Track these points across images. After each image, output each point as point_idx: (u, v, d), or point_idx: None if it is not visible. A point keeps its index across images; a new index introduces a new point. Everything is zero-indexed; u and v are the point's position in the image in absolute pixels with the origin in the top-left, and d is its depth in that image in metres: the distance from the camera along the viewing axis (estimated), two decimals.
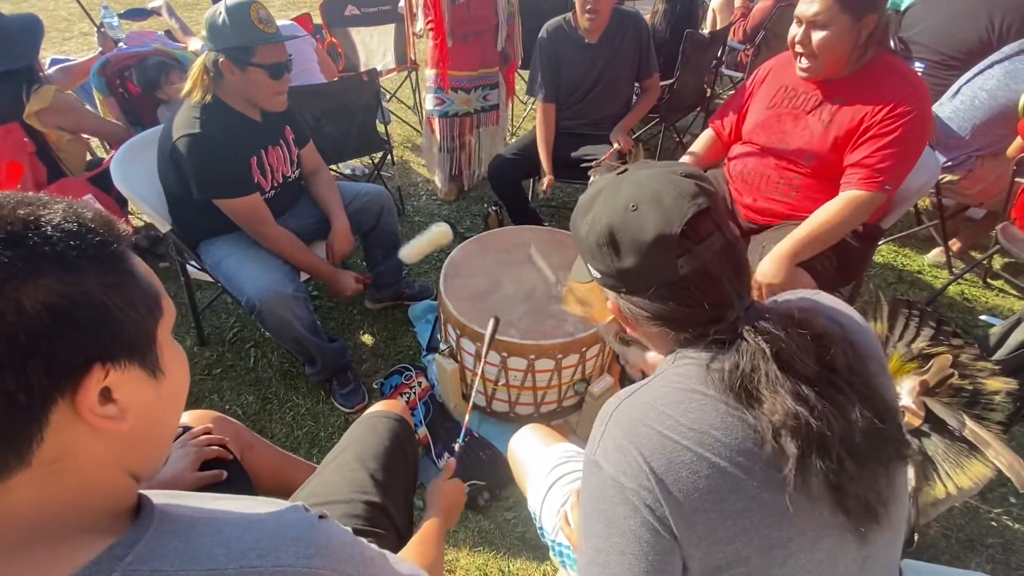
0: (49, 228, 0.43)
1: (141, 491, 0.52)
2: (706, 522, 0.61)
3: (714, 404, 0.65)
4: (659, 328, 0.73)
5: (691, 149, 2.08)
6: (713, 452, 0.62)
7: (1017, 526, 1.61)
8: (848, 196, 1.54)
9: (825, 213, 1.55)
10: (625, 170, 0.76)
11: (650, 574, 0.62)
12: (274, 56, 1.67)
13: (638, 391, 0.70)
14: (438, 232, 1.93)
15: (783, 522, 0.62)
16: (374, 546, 0.63)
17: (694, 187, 0.69)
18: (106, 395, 0.45)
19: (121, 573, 0.43)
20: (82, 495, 0.46)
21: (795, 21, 1.55)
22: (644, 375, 1.28)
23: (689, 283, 0.68)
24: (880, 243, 2.68)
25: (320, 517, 0.55)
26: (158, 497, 0.52)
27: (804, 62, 1.57)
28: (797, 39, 1.55)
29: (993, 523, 1.62)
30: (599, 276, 0.76)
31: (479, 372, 1.37)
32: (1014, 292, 2.56)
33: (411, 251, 1.94)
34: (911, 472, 1.06)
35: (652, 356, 1.30)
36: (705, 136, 2.04)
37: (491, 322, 1.36)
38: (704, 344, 0.68)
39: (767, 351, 0.62)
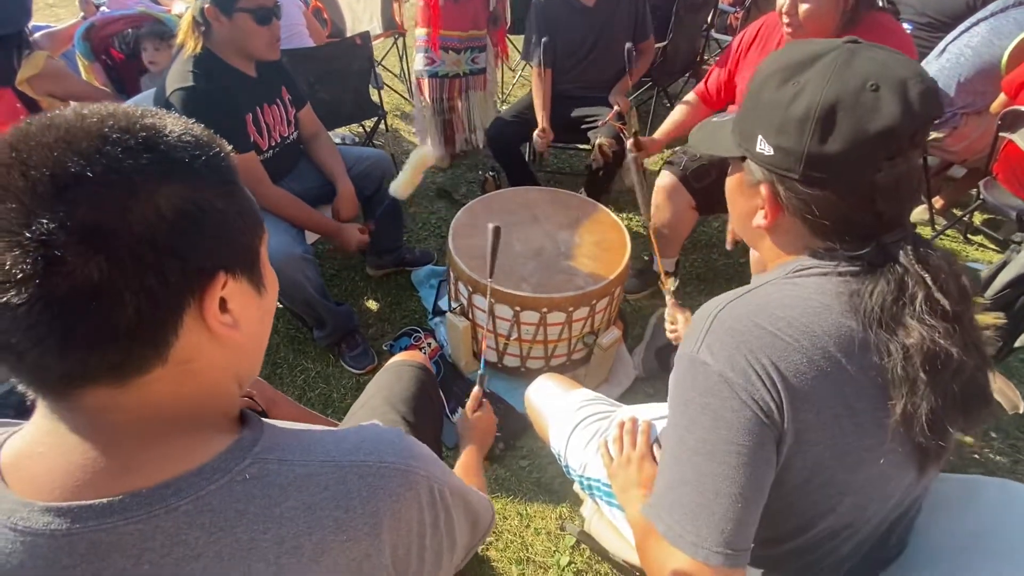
0: (173, 138, 0.45)
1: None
2: (804, 421, 0.63)
3: (832, 316, 0.64)
4: (805, 225, 0.69)
5: (672, 118, 2.03)
6: (822, 358, 0.63)
7: (998, 458, 1.73)
8: None
9: None
10: (856, 41, 0.66)
11: (756, 463, 0.64)
12: None
13: (745, 294, 0.70)
14: (420, 155, 1.89)
15: (867, 434, 0.65)
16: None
17: (937, 87, 0.64)
18: (223, 305, 0.48)
19: (253, 459, 0.47)
20: (206, 395, 0.49)
21: None
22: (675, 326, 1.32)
23: (876, 189, 0.64)
24: None
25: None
26: None
27: (790, 29, 1.58)
28: (784, 8, 1.55)
29: (976, 455, 1.73)
30: (770, 153, 0.67)
31: (488, 290, 1.36)
32: (993, 246, 2.67)
33: (401, 184, 1.90)
34: None
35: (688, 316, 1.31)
36: (687, 102, 2.01)
37: (490, 230, 1.31)
38: (842, 258, 0.67)
39: (927, 279, 0.62)
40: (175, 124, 0.46)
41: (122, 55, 2.53)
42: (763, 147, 0.68)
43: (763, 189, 0.70)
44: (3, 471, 0.44)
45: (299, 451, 0.50)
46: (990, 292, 1.49)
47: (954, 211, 2.80)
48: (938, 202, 2.79)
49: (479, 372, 1.21)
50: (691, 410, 0.67)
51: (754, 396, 0.63)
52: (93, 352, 0.41)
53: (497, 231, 1.31)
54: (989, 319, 1.34)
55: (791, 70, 0.66)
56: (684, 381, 0.69)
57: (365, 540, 0.49)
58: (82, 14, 2.49)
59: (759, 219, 0.72)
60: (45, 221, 0.37)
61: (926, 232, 2.73)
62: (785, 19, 1.57)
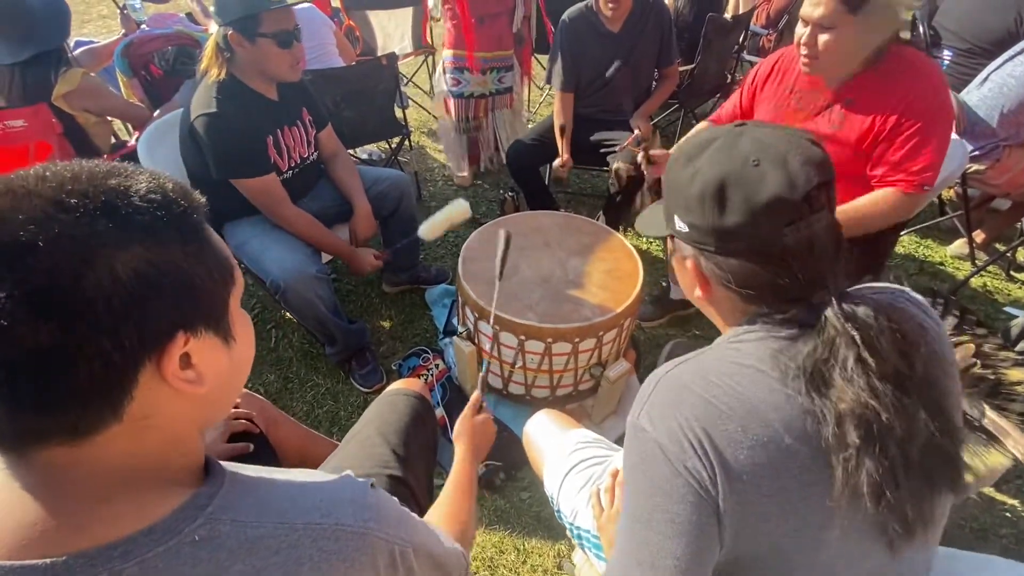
0: (137, 198, 0.44)
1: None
2: (743, 493, 0.61)
3: (768, 382, 0.63)
4: (734, 294, 0.70)
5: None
6: (759, 427, 0.61)
7: None
8: (889, 194, 1.46)
9: (863, 207, 1.48)
10: (743, 124, 0.72)
11: (692, 534, 0.62)
12: (281, 24, 1.67)
13: (688, 361, 0.70)
14: (457, 208, 1.91)
15: (819, 508, 0.62)
16: (416, 516, 0.65)
17: (821, 154, 0.66)
18: (185, 360, 0.47)
19: (204, 520, 0.46)
20: (166, 450, 0.49)
21: (800, 21, 1.49)
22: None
23: (788, 254, 0.65)
24: (902, 233, 2.65)
25: (371, 486, 0.58)
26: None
27: (807, 60, 1.51)
28: (803, 40, 1.48)
29: (1007, 514, 1.62)
30: (686, 230, 0.71)
31: (496, 290, 1.34)
32: None
33: (430, 228, 1.93)
34: None
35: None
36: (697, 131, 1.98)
37: (501, 235, 1.26)
38: (775, 322, 0.66)
39: (856, 338, 0.60)
40: (142, 182, 0.46)
41: (161, 71, 2.64)
42: (680, 225, 0.72)
43: (688, 263, 0.75)
44: None
45: (255, 510, 0.49)
46: (1023, 344, 1.39)
47: (997, 246, 2.66)
48: (979, 236, 2.65)
49: (479, 374, 1.19)
50: (634, 476, 0.68)
51: (687, 465, 0.62)
52: (45, 415, 0.41)
53: (508, 238, 1.28)
54: (1020, 375, 1.25)
55: (689, 155, 0.72)
56: (628, 447, 0.70)
57: None
58: (123, 31, 2.60)
59: (697, 291, 0.76)
60: None
61: (966, 267, 2.60)
62: (803, 50, 1.50)
